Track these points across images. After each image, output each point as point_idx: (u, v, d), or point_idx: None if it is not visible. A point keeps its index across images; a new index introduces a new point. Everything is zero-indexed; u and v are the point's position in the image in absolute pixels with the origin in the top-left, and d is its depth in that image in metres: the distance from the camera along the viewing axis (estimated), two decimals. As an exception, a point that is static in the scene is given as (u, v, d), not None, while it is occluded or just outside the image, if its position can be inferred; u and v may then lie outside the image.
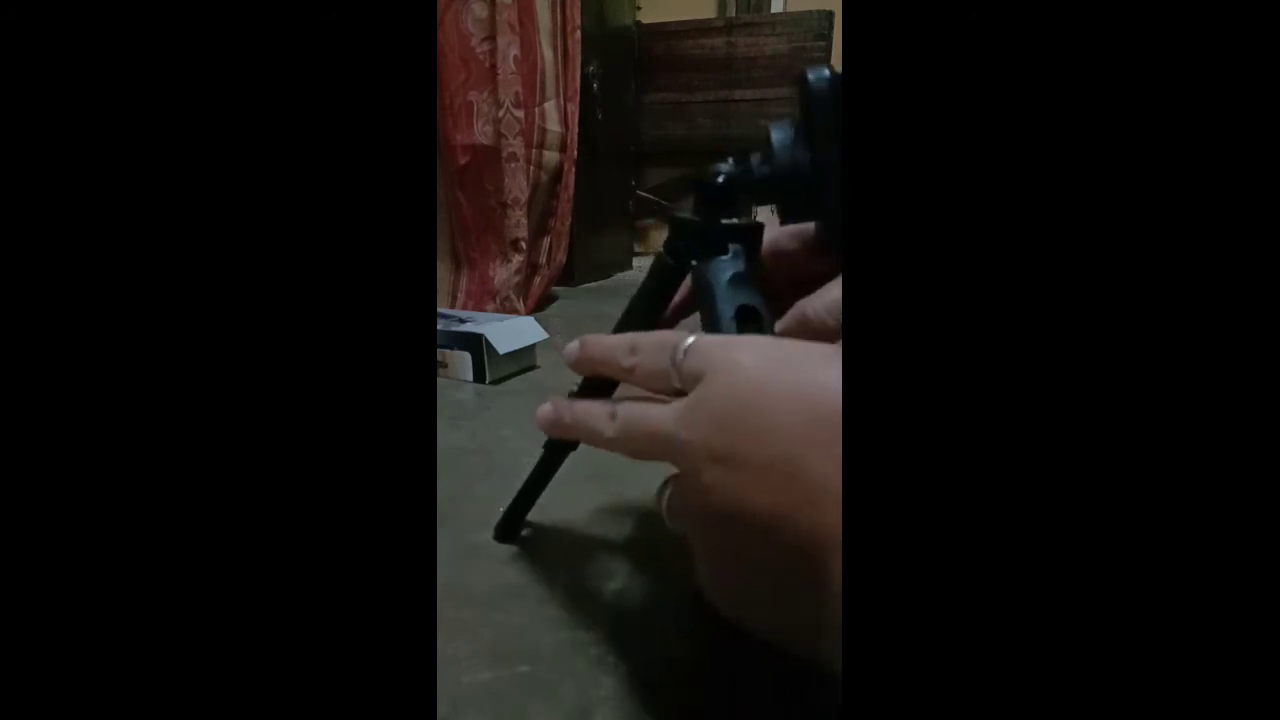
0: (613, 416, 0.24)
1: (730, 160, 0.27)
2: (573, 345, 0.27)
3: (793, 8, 1.88)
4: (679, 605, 0.33)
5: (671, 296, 0.31)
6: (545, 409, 0.28)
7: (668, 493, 0.23)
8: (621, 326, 0.32)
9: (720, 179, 0.27)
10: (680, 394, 0.22)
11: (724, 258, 0.27)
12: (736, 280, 0.26)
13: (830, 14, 1.77)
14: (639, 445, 0.23)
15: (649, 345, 0.24)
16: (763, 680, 0.27)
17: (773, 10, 1.91)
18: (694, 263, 0.28)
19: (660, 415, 0.22)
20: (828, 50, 1.79)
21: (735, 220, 0.27)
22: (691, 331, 0.23)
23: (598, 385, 0.31)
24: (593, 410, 0.26)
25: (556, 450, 0.36)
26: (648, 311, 0.31)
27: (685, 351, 0.22)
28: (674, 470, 0.23)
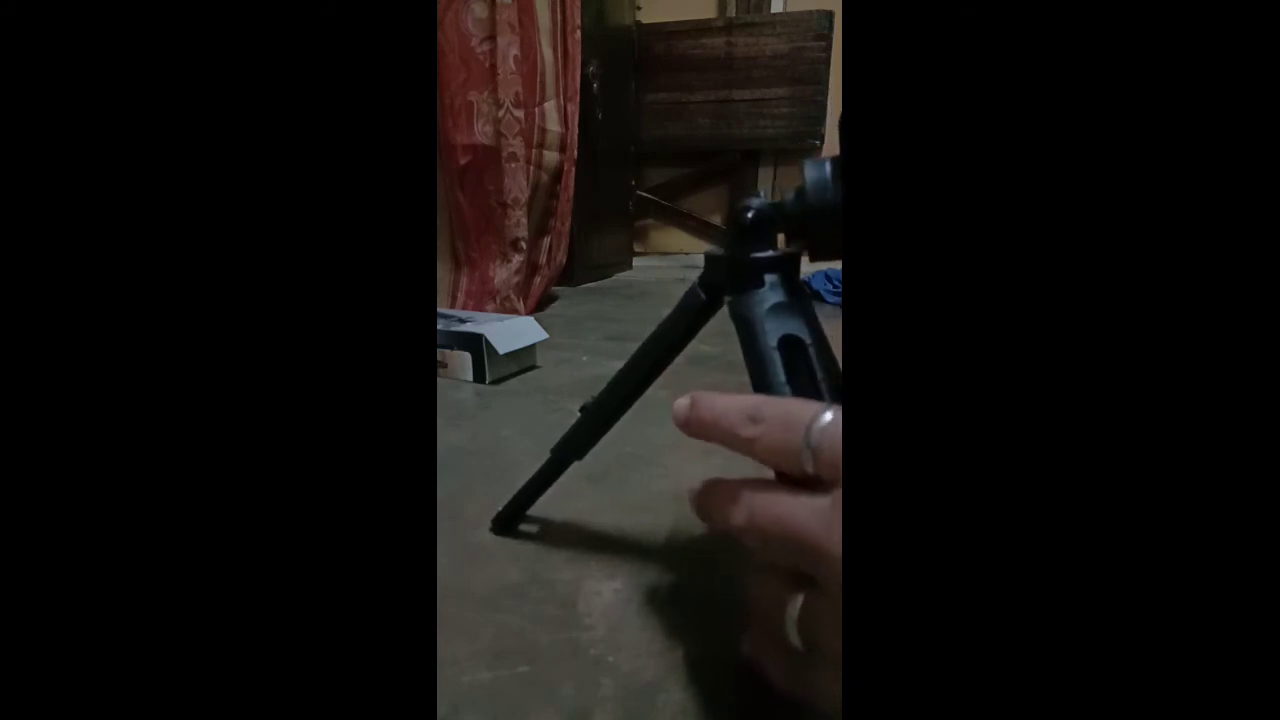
0: (735, 500, 0.21)
1: (762, 193, 0.27)
2: (682, 402, 0.24)
3: (793, 8, 1.88)
4: (679, 607, 0.33)
5: (698, 330, 0.31)
6: (696, 490, 0.24)
7: (797, 610, 0.20)
8: (643, 358, 0.32)
9: (750, 213, 0.26)
10: (811, 479, 0.19)
11: (760, 289, 0.26)
12: (776, 310, 0.26)
13: (830, 14, 1.77)
14: (772, 544, 0.20)
15: (775, 417, 0.21)
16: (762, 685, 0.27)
17: (773, 10, 1.91)
18: (728, 298, 0.28)
19: (800, 516, 0.19)
20: (828, 50, 1.79)
21: (769, 252, 0.27)
22: (829, 405, 0.19)
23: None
24: (725, 490, 0.23)
25: (562, 457, 0.37)
26: (675, 346, 0.32)
27: (823, 431, 0.19)
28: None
